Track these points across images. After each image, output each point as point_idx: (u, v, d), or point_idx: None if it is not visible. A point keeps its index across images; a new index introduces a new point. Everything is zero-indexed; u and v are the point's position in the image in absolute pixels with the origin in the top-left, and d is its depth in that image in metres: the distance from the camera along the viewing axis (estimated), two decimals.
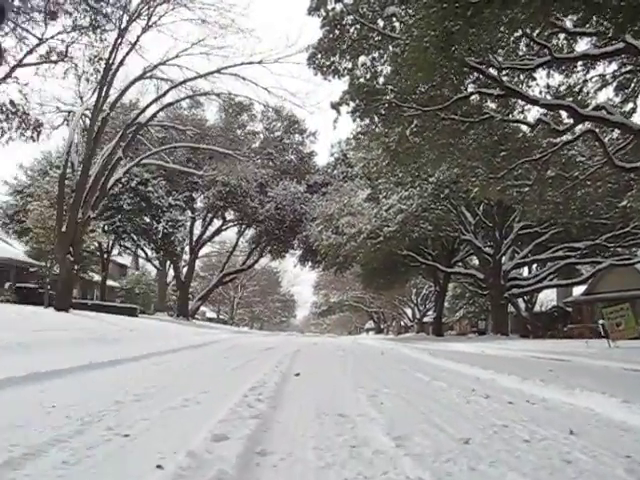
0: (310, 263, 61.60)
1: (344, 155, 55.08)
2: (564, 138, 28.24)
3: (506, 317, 45.65)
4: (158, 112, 33.21)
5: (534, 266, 53.57)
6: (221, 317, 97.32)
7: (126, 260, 69.79)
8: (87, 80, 32.35)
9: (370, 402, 6.69)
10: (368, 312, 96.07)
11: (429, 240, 50.53)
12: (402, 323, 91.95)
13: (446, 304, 65.88)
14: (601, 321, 25.47)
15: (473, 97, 26.96)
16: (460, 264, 54.09)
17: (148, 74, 31.19)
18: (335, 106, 25.64)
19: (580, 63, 26.59)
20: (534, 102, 24.50)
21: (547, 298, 58.07)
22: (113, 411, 5.68)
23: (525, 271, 54.49)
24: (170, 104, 33.00)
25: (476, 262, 57.65)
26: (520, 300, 53.02)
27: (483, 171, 28.87)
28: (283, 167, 56.56)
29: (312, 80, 26.43)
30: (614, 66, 27.05)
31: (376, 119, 26.42)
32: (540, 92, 27.17)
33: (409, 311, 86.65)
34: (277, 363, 11.83)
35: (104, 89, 29.44)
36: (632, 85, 27.52)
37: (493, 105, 27.97)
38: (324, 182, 54.96)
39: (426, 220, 38.58)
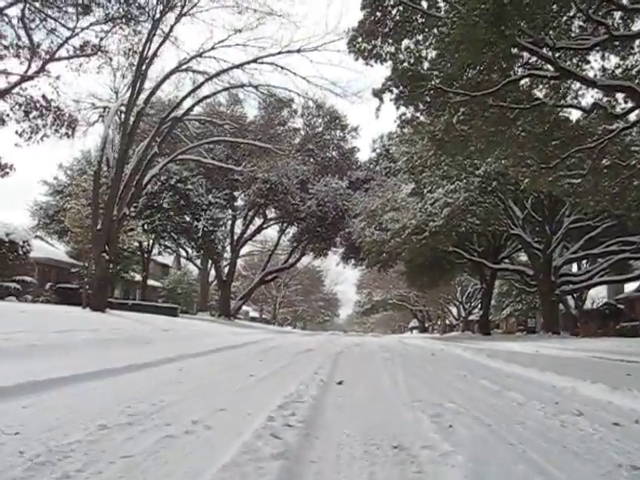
0: (353, 261, 59.76)
1: (386, 150, 53.20)
2: (620, 125, 26.28)
3: (557, 315, 43.41)
4: (194, 105, 31.76)
5: (584, 262, 51.27)
6: (264, 317, 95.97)
7: (168, 260, 68.96)
8: (122, 76, 31.30)
9: (435, 426, 5.00)
10: (412, 311, 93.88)
11: (475, 236, 48.59)
12: (447, 322, 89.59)
13: (492, 302, 63.75)
14: None
15: (523, 82, 25.32)
16: (507, 261, 51.90)
17: (184, 66, 29.83)
18: (377, 93, 24.07)
19: (637, 44, 24.75)
20: (591, 83, 22.66)
21: (598, 295, 55.65)
22: (89, 442, 4.12)
23: (575, 267, 52.14)
24: (207, 97, 31.55)
25: (523, 259, 55.47)
26: (569, 297, 50.77)
27: (534, 161, 27.00)
28: (324, 163, 55.05)
29: (353, 68, 25.07)
30: None
31: (421, 106, 24.76)
32: (595, 75, 25.34)
33: (454, 309, 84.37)
34: (317, 368, 10.20)
35: (138, 82, 28.18)
36: None
37: (542, 93, 26.26)
38: (366, 178, 52.98)
39: (474, 214, 36.57)
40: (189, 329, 27.16)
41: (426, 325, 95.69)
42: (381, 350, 18.68)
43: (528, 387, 8.36)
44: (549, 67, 23.52)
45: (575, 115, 27.50)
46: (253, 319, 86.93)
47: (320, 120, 56.23)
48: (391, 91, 23.73)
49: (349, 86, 52.19)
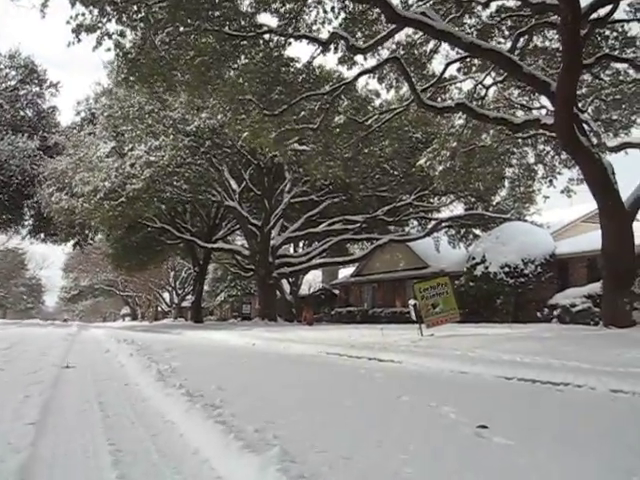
0: (42, 235, 48.55)
1: (92, 114, 43.49)
2: (361, 67, 20.56)
3: (274, 300, 37.68)
4: None
5: (300, 244, 46.54)
6: None
7: None
8: None
9: None
10: (123, 297, 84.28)
11: (188, 215, 41.87)
12: (159, 308, 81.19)
13: (206, 287, 57.77)
14: (412, 301, 17.64)
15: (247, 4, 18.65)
16: (221, 242, 45.23)
17: None
18: None
19: None
20: None
21: (315, 280, 51.33)
22: None
23: (292, 250, 47.18)
24: None
25: (239, 242, 49.62)
26: (285, 282, 45.79)
27: (256, 106, 20.32)
28: (15, 122, 44.12)
29: None
30: None
31: (109, 9, 16.67)
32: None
33: (167, 295, 76.45)
34: None
35: None
36: None
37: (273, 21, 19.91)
38: (67, 144, 42.91)
39: (182, 177, 29.09)
40: None
41: (137, 312, 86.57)
42: None
43: None
44: None
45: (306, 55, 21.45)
46: None
47: (14, 72, 45.29)
48: None
49: None
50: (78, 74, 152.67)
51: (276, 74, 20.02)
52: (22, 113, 45.89)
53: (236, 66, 19.74)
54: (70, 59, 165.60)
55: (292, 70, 20.72)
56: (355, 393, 6.18)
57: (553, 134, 21.10)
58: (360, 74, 20.23)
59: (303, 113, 22.05)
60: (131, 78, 18.67)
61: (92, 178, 29.03)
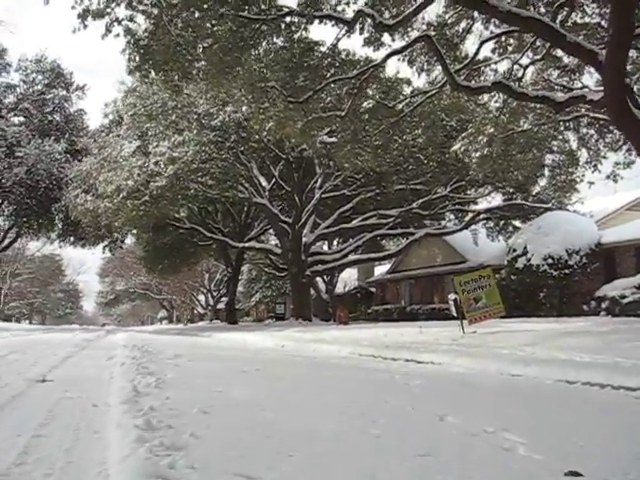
0: (72, 239, 47.83)
1: (120, 117, 42.65)
2: (389, 48, 19.03)
3: (308, 298, 36.27)
4: None
5: (335, 242, 45.10)
6: None
7: None
8: None
9: None
10: (159, 300, 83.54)
11: (219, 214, 41.10)
12: (195, 311, 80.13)
13: (241, 288, 56.96)
14: (452, 295, 16.14)
15: None
16: (254, 242, 44.04)
17: None
18: None
19: None
20: None
21: (351, 278, 49.85)
22: None
23: (326, 247, 45.77)
24: None
25: (273, 242, 48.44)
26: (320, 281, 44.48)
27: (280, 94, 18.94)
28: (43, 127, 43.47)
29: None
30: None
31: None
32: None
33: (202, 298, 75.46)
34: None
35: None
36: None
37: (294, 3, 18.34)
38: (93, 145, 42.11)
39: (206, 173, 27.84)
40: None
41: (174, 315, 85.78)
42: None
43: None
44: None
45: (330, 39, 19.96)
46: None
47: (41, 77, 44.74)
48: None
49: None
50: (107, 79, 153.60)
51: (300, 59, 18.62)
52: (50, 117, 45.30)
53: (257, 52, 18.47)
54: (99, 64, 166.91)
55: (317, 54, 19.33)
56: (386, 412, 4.74)
57: (598, 115, 19.58)
58: (389, 55, 18.72)
59: (330, 99, 20.84)
60: (144, 66, 17.42)
61: (115, 177, 28.07)
